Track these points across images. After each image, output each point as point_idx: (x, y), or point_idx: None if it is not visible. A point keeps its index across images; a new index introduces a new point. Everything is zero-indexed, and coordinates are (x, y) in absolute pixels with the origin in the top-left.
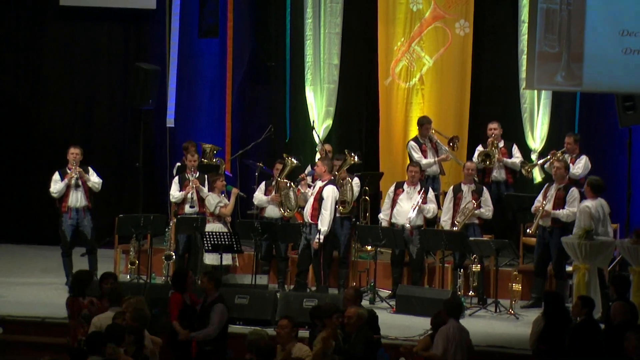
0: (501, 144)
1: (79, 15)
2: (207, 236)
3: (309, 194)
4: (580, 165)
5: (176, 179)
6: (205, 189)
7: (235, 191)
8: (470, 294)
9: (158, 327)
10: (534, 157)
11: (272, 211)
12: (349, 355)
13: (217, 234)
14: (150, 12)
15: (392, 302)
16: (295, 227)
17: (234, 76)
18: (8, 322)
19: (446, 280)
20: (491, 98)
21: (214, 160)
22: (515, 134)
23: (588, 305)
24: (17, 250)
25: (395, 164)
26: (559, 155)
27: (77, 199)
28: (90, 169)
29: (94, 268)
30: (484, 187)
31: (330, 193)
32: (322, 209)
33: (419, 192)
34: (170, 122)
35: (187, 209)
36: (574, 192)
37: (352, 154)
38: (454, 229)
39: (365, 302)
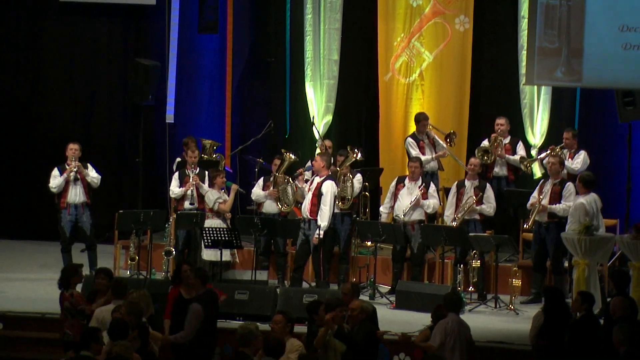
0: (507, 140)
1: (78, 12)
2: (207, 232)
3: (306, 189)
4: (579, 161)
5: (176, 175)
6: (205, 185)
7: (234, 187)
8: (470, 289)
9: (159, 322)
10: (533, 152)
11: (270, 206)
12: (349, 342)
13: (217, 229)
14: (150, 8)
15: (392, 298)
16: (295, 222)
17: (233, 72)
18: (8, 317)
19: (446, 276)
20: (491, 94)
21: (214, 156)
22: (515, 130)
23: (588, 300)
24: (16, 246)
25: (395, 159)
26: (557, 150)
27: (75, 195)
28: (89, 165)
29: (94, 264)
30: (487, 184)
31: (330, 188)
32: (321, 204)
33: (419, 188)
34: (169, 118)
35: (186, 205)
36: (569, 186)
37: (356, 151)
38: (453, 224)
39: (365, 298)
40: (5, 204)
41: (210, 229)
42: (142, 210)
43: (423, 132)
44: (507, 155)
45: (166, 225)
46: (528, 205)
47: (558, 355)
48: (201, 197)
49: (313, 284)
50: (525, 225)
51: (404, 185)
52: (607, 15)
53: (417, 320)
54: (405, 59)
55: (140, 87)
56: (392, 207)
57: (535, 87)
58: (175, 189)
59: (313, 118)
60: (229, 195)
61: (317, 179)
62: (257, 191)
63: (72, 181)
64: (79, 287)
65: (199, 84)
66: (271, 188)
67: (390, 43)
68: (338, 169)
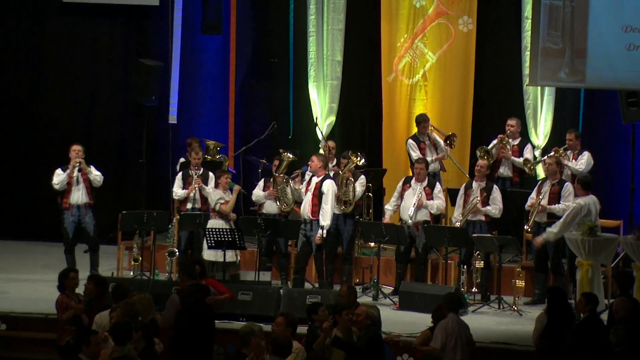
0: (516, 142)
1: (80, 12)
2: (210, 232)
3: (303, 190)
4: (583, 161)
5: (179, 175)
6: (208, 187)
7: (237, 188)
8: (473, 290)
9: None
10: (537, 153)
11: (270, 207)
12: (350, 349)
13: (220, 230)
14: (153, 8)
15: (395, 299)
16: (297, 223)
17: (236, 73)
18: (10, 318)
19: (449, 277)
20: (494, 94)
21: (218, 157)
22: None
23: (591, 301)
24: (19, 247)
25: (398, 160)
26: (560, 152)
27: (78, 196)
28: (92, 166)
29: (95, 266)
30: (495, 185)
31: (330, 187)
32: (322, 204)
33: (423, 189)
34: (172, 119)
35: (189, 206)
36: (568, 186)
37: (359, 155)
38: (457, 224)
39: (368, 299)
40: (6, 205)
41: (214, 230)
42: (146, 211)
43: (424, 133)
44: (512, 157)
45: (169, 226)
46: (526, 206)
47: (561, 356)
48: (204, 199)
49: (316, 284)
50: (525, 226)
51: (410, 186)
52: (611, 16)
53: (420, 321)
54: (409, 59)
55: (143, 88)
56: (398, 206)
57: (539, 87)
58: (178, 190)
59: (316, 119)
60: None
61: (315, 179)
62: (257, 192)
63: (74, 181)
64: (80, 290)
65: (202, 85)
66: (271, 188)
67: (394, 44)
68: (340, 172)
